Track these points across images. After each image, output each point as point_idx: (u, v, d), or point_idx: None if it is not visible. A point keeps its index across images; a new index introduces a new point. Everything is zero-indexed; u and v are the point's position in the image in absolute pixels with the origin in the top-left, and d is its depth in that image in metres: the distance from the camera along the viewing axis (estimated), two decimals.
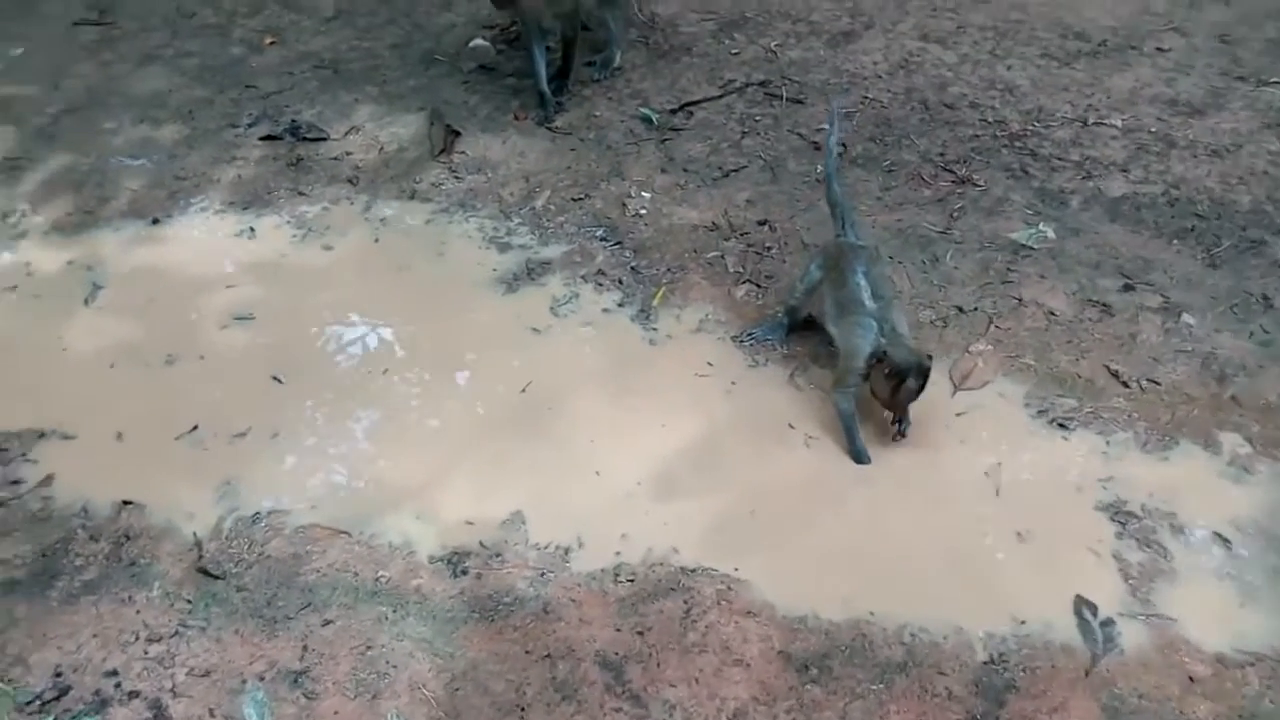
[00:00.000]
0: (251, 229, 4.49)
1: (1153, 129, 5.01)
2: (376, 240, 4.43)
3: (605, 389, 3.77)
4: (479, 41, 5.75)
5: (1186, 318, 3.98)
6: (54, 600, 3.08)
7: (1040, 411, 3.66)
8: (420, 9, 6.14)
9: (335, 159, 4.92)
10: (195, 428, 3.57)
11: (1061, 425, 3.60)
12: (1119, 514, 3.31)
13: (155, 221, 4.54)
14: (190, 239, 4.46)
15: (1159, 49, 5.62)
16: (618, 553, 3.22)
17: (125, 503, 3.33)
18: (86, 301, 4.12)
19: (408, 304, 4.14)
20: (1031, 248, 4.33)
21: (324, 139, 5.04)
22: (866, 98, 5.31)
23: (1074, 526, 3.27)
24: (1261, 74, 5.33)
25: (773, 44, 5.76)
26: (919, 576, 3.13)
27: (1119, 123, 5.07)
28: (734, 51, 5.71)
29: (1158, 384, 3.73)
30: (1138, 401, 3.67)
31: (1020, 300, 4.09)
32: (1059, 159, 4.85)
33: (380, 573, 3.14)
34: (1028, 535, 3.25)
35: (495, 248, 4.39)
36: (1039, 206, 4.55)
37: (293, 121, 5.12)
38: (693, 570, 3.17)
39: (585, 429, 3.60)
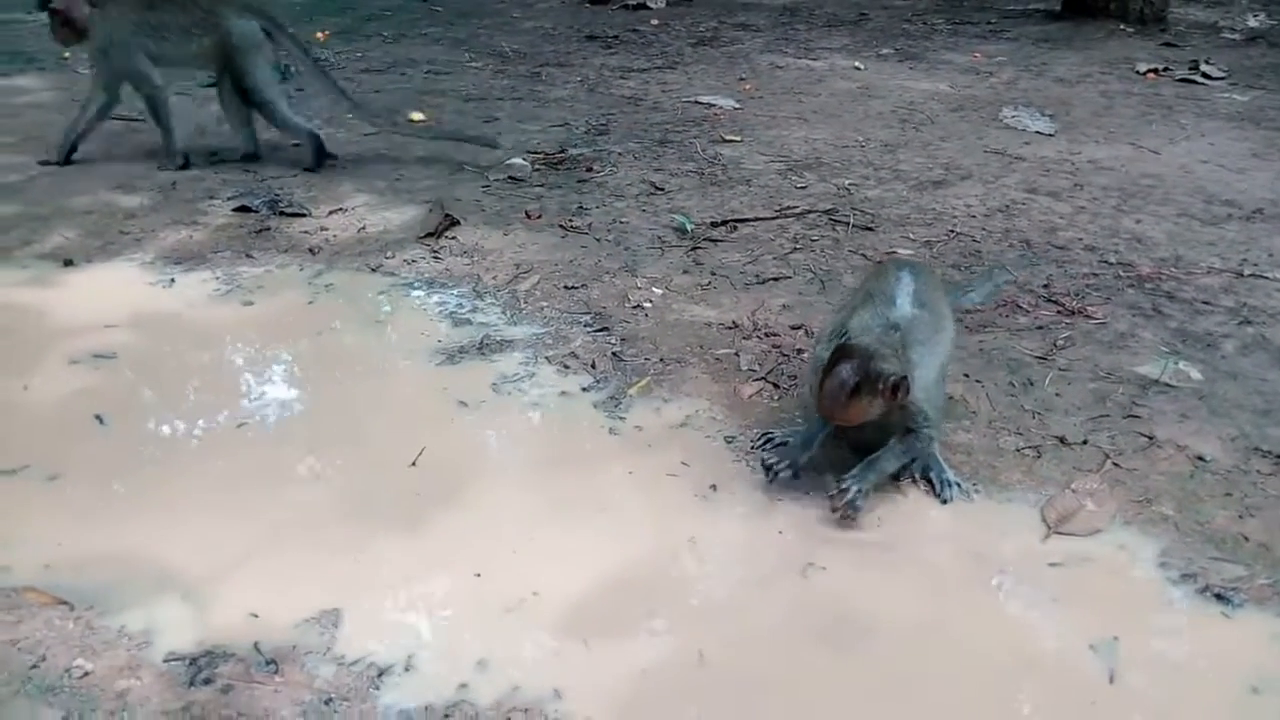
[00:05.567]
0: (172, 280, 3.70)
1: None
2: (310, 303, 3.55)
3: (529, 477, 2.65)
4: (517, 160, 5.10)
5: None
6: None
7: (1185, 576, 2.33)
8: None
9: (306, 233, 4.16)
10: None
11: (1221, 598, 2.26)
12: None
13: (68, 264, 3.80)
14: (97, 283, 3.68)
15: None
16: (463, 685, 1.97)
17: None
18: None
19: (309, 363, 3.18)
20: (1170, 385, 3.11)
21: (303, 215, 4.32)
22: (954, 232, 4.33)
23: None
24: None
25: (848, 183, 4.92)
26: None
27: None
28: (800, 186, 4.89)
29: None
30: None
31: (1152, 439, 2.84)
32: (1205, 303, 3.69)
33: (80, 662, 1.97)
34: None
35: (450, 322, 3.44)
36: (1178, 346, 3.37)
37: (274, 197, 4.45)
38: None
39: (482, 520, 2.46)
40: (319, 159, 4.90)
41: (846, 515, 2.43)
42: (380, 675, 1.98)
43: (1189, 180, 5.08)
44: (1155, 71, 7.39)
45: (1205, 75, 7.28)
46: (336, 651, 2.03)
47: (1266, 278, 3.92)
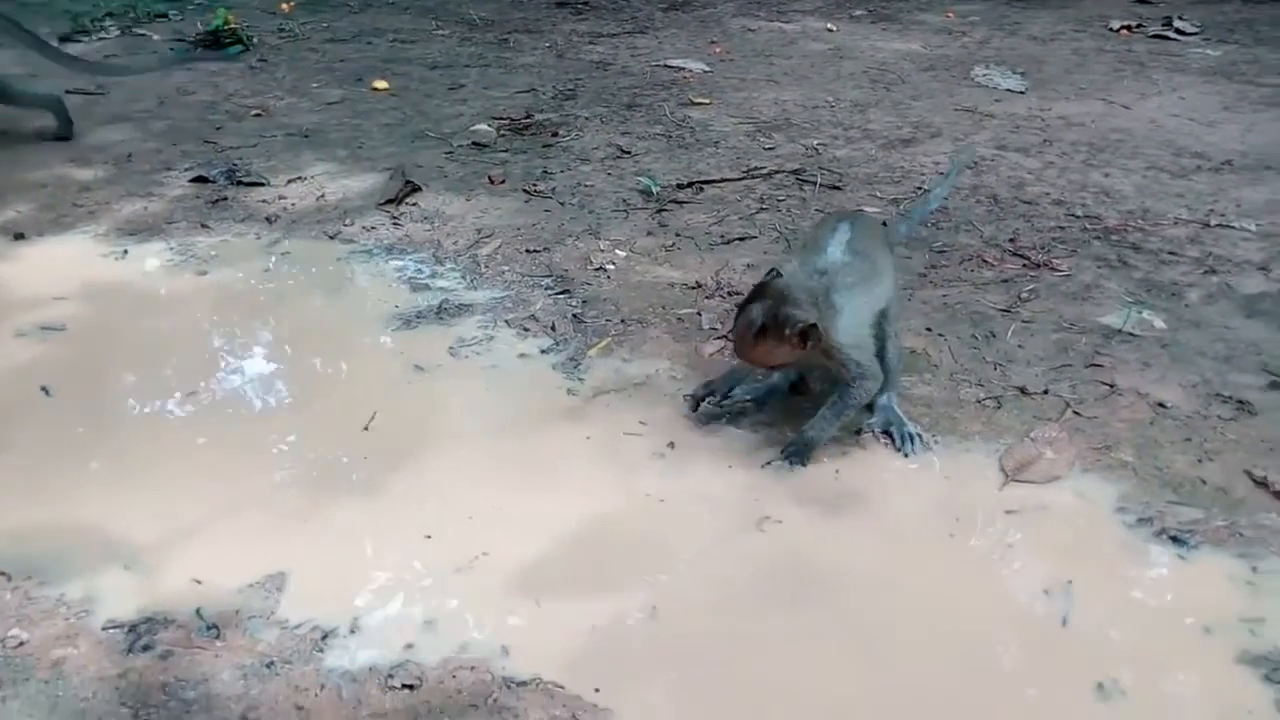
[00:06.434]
0: (125, 251, 3.63)
1: None
2: (266, 271, 3.50)
3: (484, 440, 2.61)
4: (482, 126, 5.03)
5: None
6: None
7: (1142, 520, 2.31)
8: (432, 102, 5.53)
9: (264, 202, 4.10)
10: None
11: (1177, 540, 2.25)
12: None
13: (19, 237, 3.74)
14: (48, 256, 3.62)
15: None
16: (409, 645, 1.94)
17: None
18: None
19: (262, 331, 3.13)
20: (1132, 334, 3.09)
21: (261, 184, 4.26)
22: (922, 189, 4.29)
23: (1198, 684, 1.87)
24: None
25: (816, 143, 4.87)
26: None
27: (1253, 227, 3.90)
28: (769, 147, 4.83)
29: None
30: None
31: (1114, 387, 2.83)
32: (1171, 254, 3.67)
33: (15, 631, 1.94)
34: (1114, 690, 1.85)
35: (409, 287, 3.39)
36: (1143, 296, 3.34)
37: (232, 166, 4.38)
38: (521, 683, 1.86)
39: (434, 483, 2.42)
40: (69, 126, 4.70)
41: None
42: (324, 638, 1.95)
43: (1159, 134, 5.04)
44: (1128, 28, 7.34)
45: (1178, 31, 7.23)
46: (281, 615, 2.00)
47: (1233, 227, 3.90)
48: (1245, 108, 5.48)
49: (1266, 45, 6.89)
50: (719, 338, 3.09)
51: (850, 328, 2.42)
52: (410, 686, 1.83)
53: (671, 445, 2.57)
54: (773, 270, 2.42)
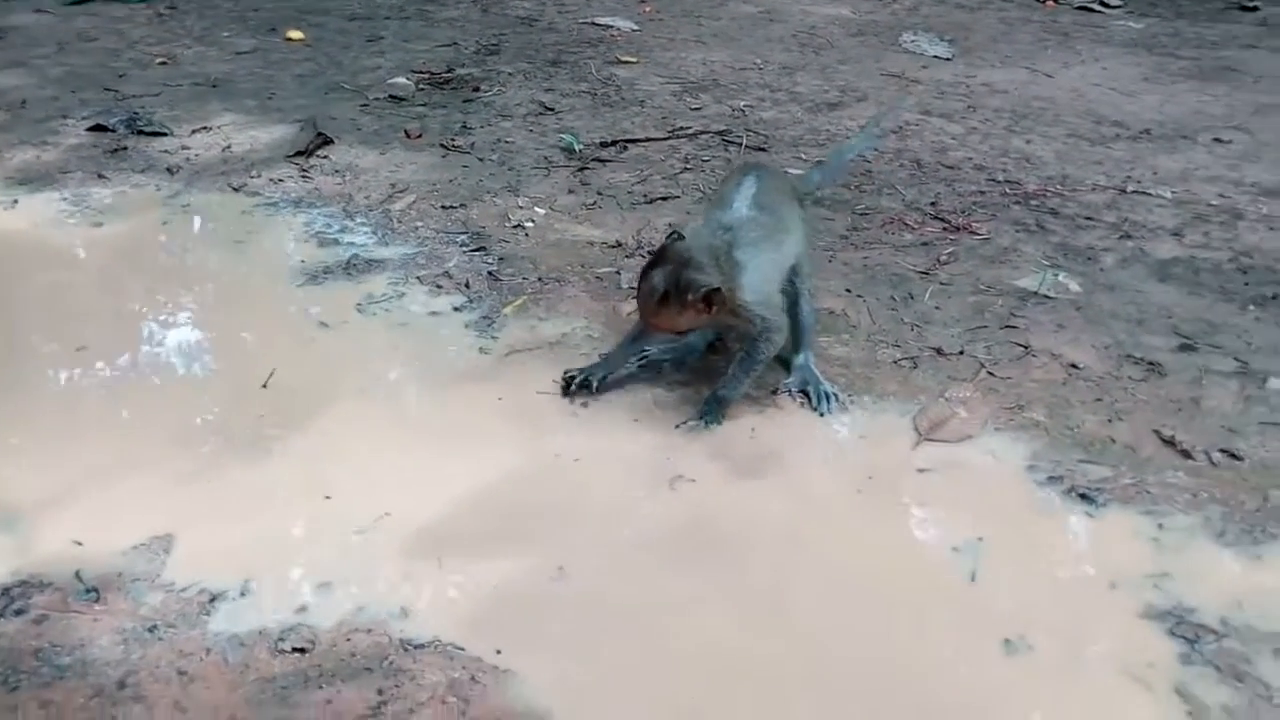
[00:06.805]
0: (14, 201, 3.44)
1: (1213, 202, 3.88)
2: (164, 224, 3.34)
3: (391, 398, 2.53)
4: (400, 80, 4.87)
5: (1276, 383, 2.67)
6: None
7: (1052, 478, 2.32)
8: (349, 54, 5.35)
9: (166, 152, 3.92)
10: None
11: (1085, 498, 2.25)
12: (1183, 626, 1.90)
13: None
14: None
15: (1217, 140, 4.57)
16: (302, 608, 1.86)
17: None
18: None
19: (159, 285, 2.98)
20: (1047, 296, 3.11)
21: (163, 134, 4.06)
22: None
23: (1104, 639, 1.87)
24: None
25: (743, 104, 4.81)
26: (828, 699, 1.72)
27: (1168, 194, 3.94)
28: (695, 107, 4.76)
29: (1237, 459, 2.39)
30: (1207, 478, 2.33)
31: (1028, 348, 2.83)
32: (1088, 219, 3.70)
33: None
34: (1022, 645, 1.85)
35: (316, 242, 3.27)
36: (1059, 260, 3.36)
37: (133, 115, 4.17)
38: (419, 646, 1.79)
39: (336, 443, 2.33)
40: None
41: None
42: (212, 601, 1.86)
43: (1080, 103, 5.09)
44: None
45: (1102, 3, 7.31)
46: (166, 578, 1.90)
47: (1149, 194, 3.94)
48: (1164, 79, 5.56)
49: (1187, 19, 7.01)
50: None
51: (756, 285, 2.38)
52: (302, 650, 1.75)
53: (585, 405, 2.51)
54: (673, 232, 2.36)
